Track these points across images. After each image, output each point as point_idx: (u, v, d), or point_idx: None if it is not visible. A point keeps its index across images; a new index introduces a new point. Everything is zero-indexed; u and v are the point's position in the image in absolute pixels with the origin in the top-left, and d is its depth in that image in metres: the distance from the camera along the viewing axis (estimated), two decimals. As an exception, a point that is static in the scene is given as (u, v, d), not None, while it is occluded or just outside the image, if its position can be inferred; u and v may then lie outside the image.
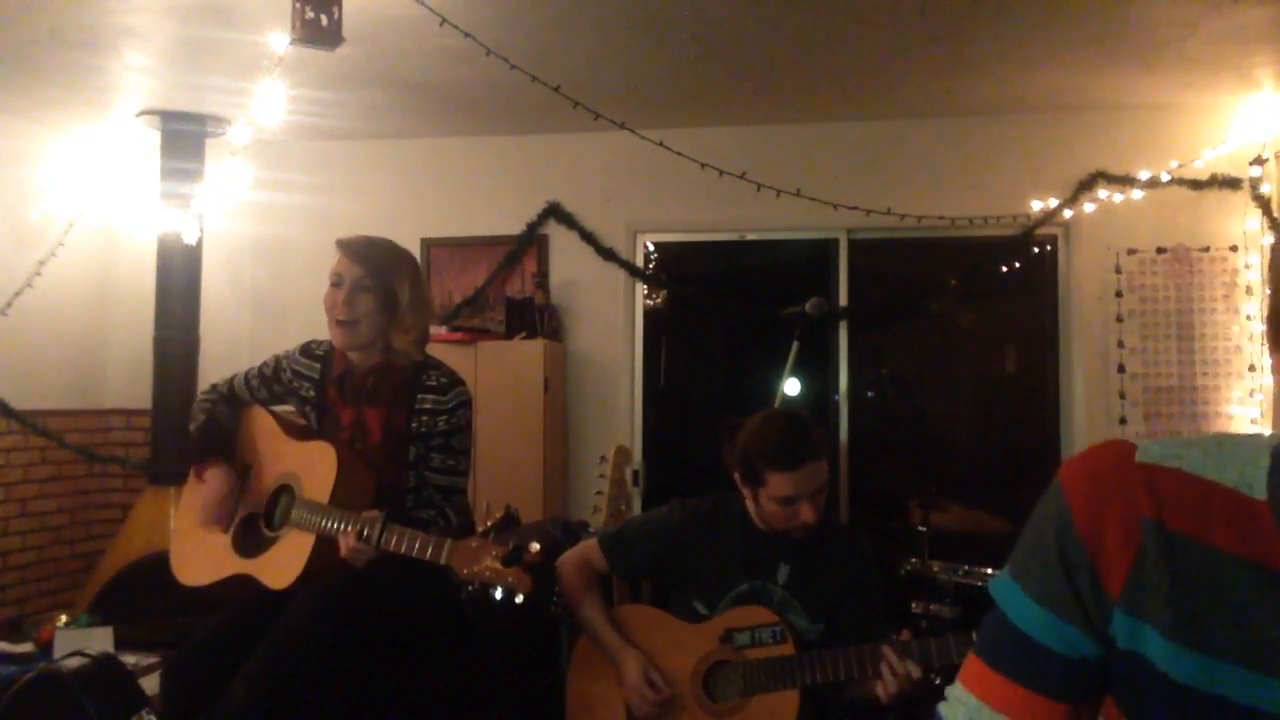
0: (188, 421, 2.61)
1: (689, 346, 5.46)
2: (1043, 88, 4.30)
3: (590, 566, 2.50)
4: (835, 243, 4.88)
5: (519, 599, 2.00)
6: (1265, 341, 0.80)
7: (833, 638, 2.32)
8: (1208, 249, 4.51)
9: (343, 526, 2.20)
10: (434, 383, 2.42)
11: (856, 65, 4.06)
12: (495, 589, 2.02)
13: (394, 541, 2.16)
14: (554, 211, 4.99)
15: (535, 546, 2.03)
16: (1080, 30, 3.63)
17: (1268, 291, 0.81)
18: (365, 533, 2.17)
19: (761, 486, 2.31)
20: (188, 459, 2.58)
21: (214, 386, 2.64)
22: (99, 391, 5.26)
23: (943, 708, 0.93)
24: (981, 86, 4.30)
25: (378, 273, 2.40)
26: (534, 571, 2.01)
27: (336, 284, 2.41)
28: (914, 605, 3.37)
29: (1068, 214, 4.61)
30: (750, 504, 2.38)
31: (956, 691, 0.92)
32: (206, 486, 2.44)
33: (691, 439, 5.20)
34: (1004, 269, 4.89)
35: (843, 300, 4.85)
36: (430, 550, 2.12)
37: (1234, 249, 4.47)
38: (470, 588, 2.04)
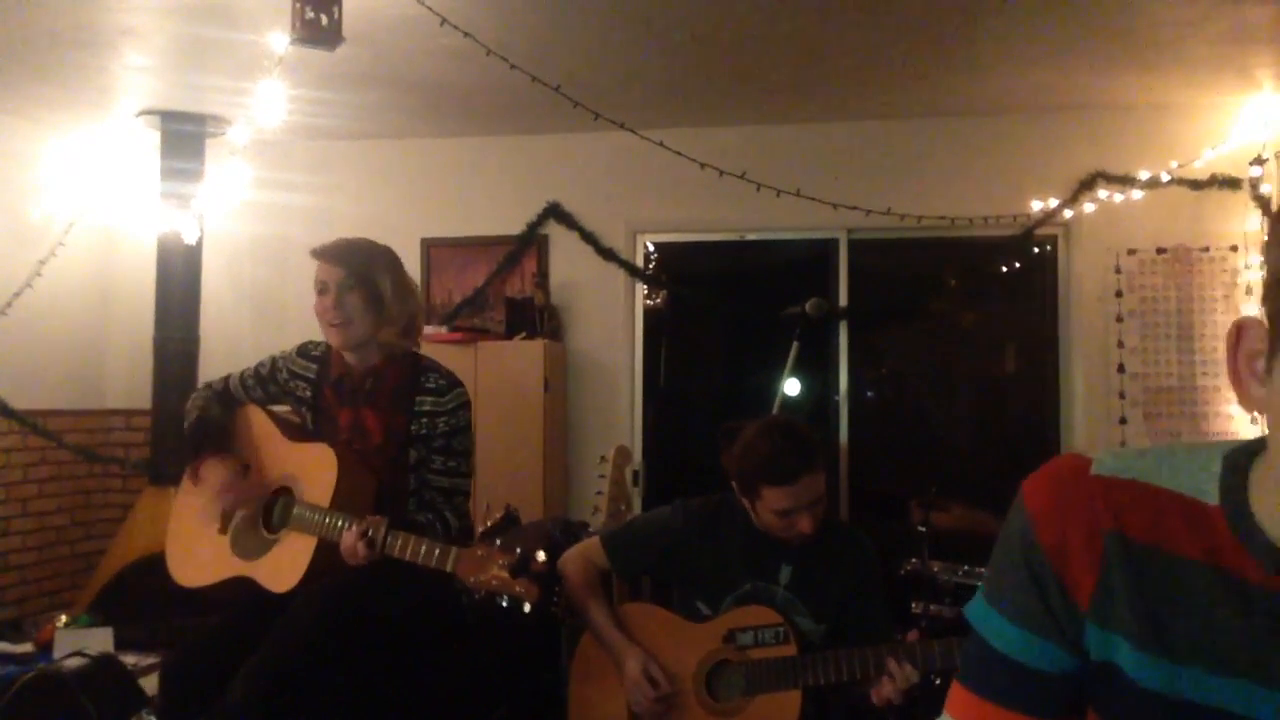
0: (183, 422, 2.61)
1: (689, 347, 5.45)
2: (1043, 88, 4.30)
3: (592, 564, 2.50)
4: (835, 243, 4.87)
5: (526, 608, 1.99)
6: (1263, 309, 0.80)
7: (836, 639, 2.32)
8: (1208, 249, 4.51)
9: (346, 528, 2.20)
10: (432, 385, 2.43)
11: (856, 65, 4.06)
12: (502, 598, 2.02)
13: (398, 547, 2.16)
14: (554, 211, 4.98)
15: (541, 556, 2.02)
16: (1080, 30, 3.63)
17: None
18: (369, 535, 2.17)
19: (757, 499, 2.31)
20: (183, 460, 2.59)
21: (208, 385, 2.65)
22: (99, 391, 5.26)
23: None
24: (981, 86, 4.30)
25: (358, 270, 2.43)
26: (540, 580, 2.01)
27: (323, 291, 2.43)
28: (914, 605, 3.36)
29: (1068, 214, 4.61)
30: (751, 509, 2.38)
31: None
32: (208, 481, 2.44)
33: (691, 439, 5.20)
34: (1004, 269, 4.89)
35: (843, 300, 4.85)
36: (436, 558, 2.11)
37: (1234, 249, 4.47)
38: (476, 595, 2.03)
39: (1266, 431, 0.78)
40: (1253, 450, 0.82)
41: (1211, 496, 0.82)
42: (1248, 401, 0.78)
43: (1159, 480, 0.84)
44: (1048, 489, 0.88)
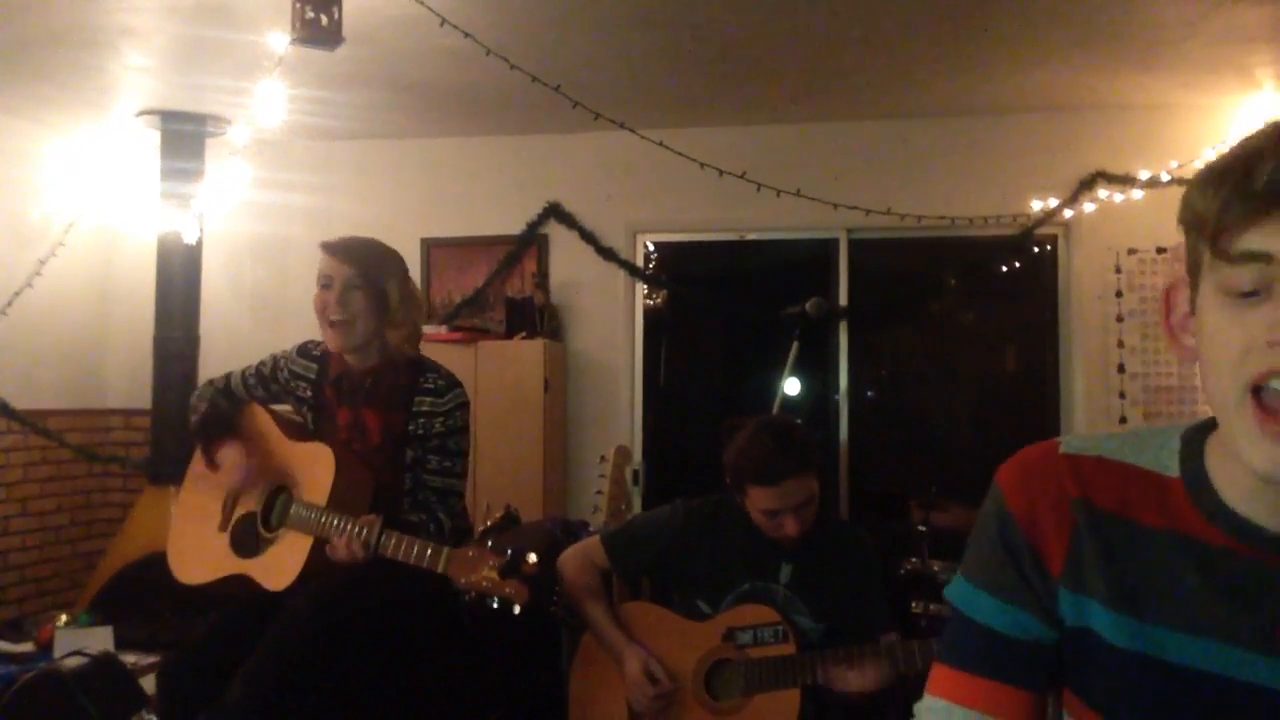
0: (187, 418, 2.60)
1: (689, 346, 5.46)
2: (1043, 88, 4.30)
3: (592, 564, 2.50)
4: (835, 243, 4.87)
5: (516, 610, 1.99)
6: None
7: (835, 637, 2.32)
8: (1208, 249, 4.50)
9: (340, 528, 2.20)
10: (431, 385, 2.43)
11: (857, 65, 4.06)
12: (492, 599, 2.02)
13: (391, 547, 2.16)
14: (554, 211, 4.98)
15: (532, 557, 2.02)
16: (1080, 30, 3.63)
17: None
18: (363, 535, 2.17)
19: (745, 498, 2.32)
20: (194, 443, 2.57)
21: (210, 382, 2.64)
22: (99, 391, 5.26)
23: None
24: (981, 86, 4.30)
25: (366, 271, 2.41)
26: (531, 582, 2.01)
27: (326, 286, 2.41)
28: (914, 605, 3.36)
29: (1068, 214, 4.61)
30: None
31: (925, 703, 0.94)
32: (224, 461, 2.43)
33: (691, 439, 5.20)
34: (1004, 269, 4.89)
35: (843, 300, 4.85)
36: (427, 558, 2.12)
37: (1234, 249, 4.47)
38: (467, 596, 2.04)
39: (1200, 383, 0.84)
40: (1207, 427, 0.88)
41: (1172, 470, 0.88)
42: (1183, 353, 0.85)
43: (1122, 456, 0.90)
44: (1018, 468, 0.94)
